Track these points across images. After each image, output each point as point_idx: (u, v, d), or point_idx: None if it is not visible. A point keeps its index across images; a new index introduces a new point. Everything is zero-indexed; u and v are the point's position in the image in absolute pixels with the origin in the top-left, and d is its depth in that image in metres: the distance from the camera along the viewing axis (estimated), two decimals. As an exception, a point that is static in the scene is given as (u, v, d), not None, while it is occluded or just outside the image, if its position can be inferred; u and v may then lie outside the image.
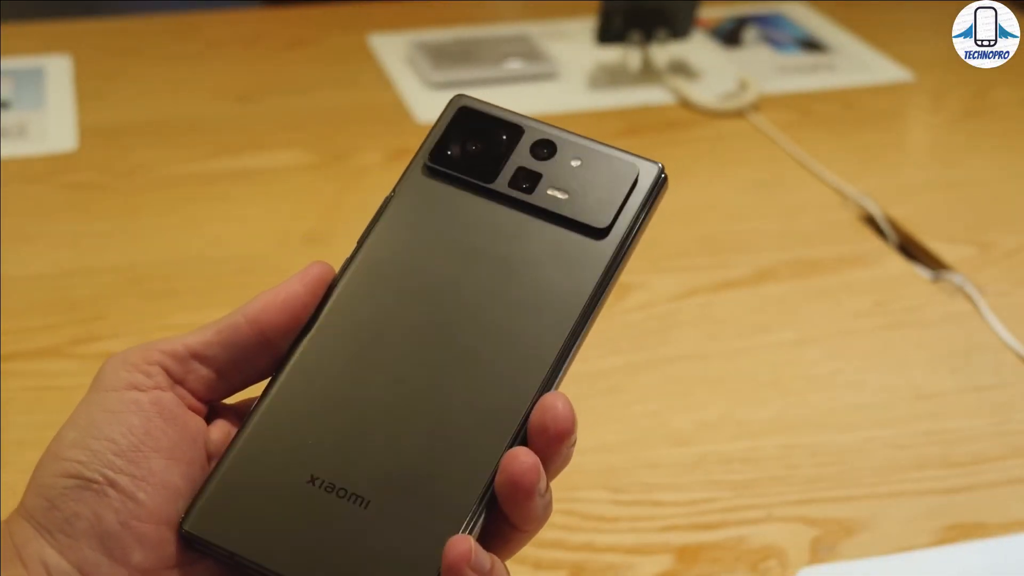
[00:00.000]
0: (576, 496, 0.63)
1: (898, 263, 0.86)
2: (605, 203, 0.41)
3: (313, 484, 0.38)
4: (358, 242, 0.42)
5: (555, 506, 0.57)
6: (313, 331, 0.41)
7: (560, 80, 1.13)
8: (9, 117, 1.05)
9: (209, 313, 0.84)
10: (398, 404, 0.39)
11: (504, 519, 0.38)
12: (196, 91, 1.12)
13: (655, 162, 0.42)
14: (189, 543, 0.38)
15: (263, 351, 0.41)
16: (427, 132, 0.44)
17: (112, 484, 0.38)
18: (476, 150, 0.43)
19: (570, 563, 0.59)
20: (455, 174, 0.42)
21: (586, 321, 0.40)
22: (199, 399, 0.41)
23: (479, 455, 0.38)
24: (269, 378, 0.41)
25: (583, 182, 0.42)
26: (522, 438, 0.38)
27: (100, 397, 0.39)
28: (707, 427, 0.69)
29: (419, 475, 0.38)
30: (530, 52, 1.16)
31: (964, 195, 0.96)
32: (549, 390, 0.39)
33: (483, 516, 0.38)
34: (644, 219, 0.41)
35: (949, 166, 1.02)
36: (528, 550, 0.59)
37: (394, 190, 0.43)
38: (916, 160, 1.06)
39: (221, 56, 1.20)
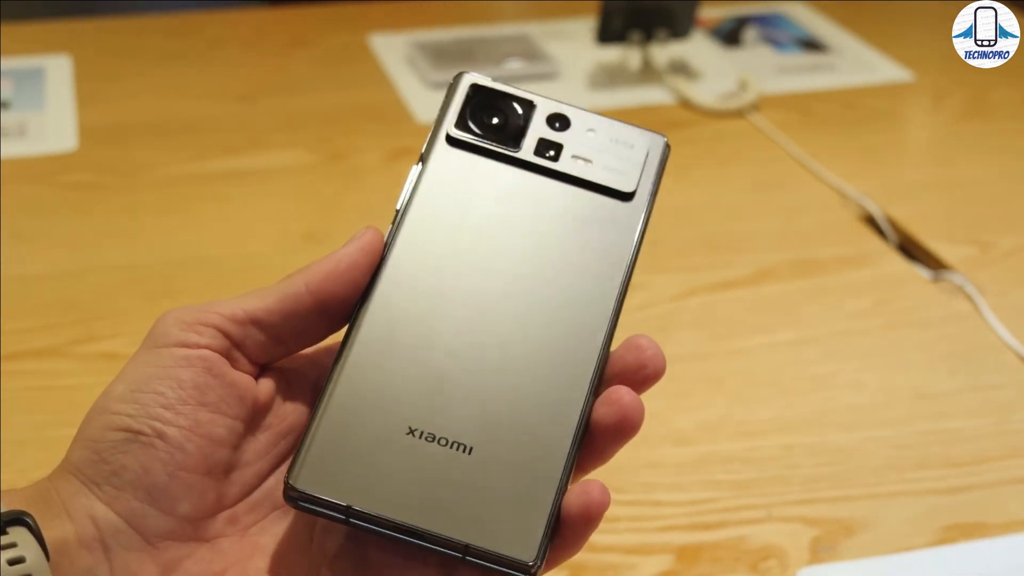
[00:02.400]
0: (576, 496, 0.63)
1: (898, 263, 0.86)
2: (627, 169, 0.44)
3: (413, 435, 0.39)
4: (397, 211, 0.44)
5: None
6: (377, 291, 0.42)
7: (560, 80, 1.13)
8: (9, 117, 1.05)
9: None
10: (476, 355, 0.40)
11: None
12: (196, 91, 1.12)
13: (660, 135, 0.45)
14: (295, 502, 0.38)
15: (321, 319, 0.41)
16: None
17: (160, 435, 0.38)
18: (497, 122, 0.45)
19: (570, 563, 0.59)
20: (481, 144, 0.44)
21: (630, 275, 0.43)
22: (252, 362, 0.41)
23: (565, 399, 0.40)
24: (342, 338, 0.41)
25: (602, 150, 0.44)
26: (599, 380, 0.40)
27: (150, 354, 0.40)
28: (707, 427, 0.69)
29: (513, 420, 0.39)
30: (530, 52, 1.16)
31: (964, 195, 0.96)
32: (612, 335, 0.41)
33: (575, 458, 0.40)
34: (659, 185, 0.44)
35: (949, 166, 1.02)
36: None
37: (422, 160, 0.44)
38: (916, 160, 1.06)
39: (221, 56, 1.20)
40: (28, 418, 0.68)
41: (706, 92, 1.10)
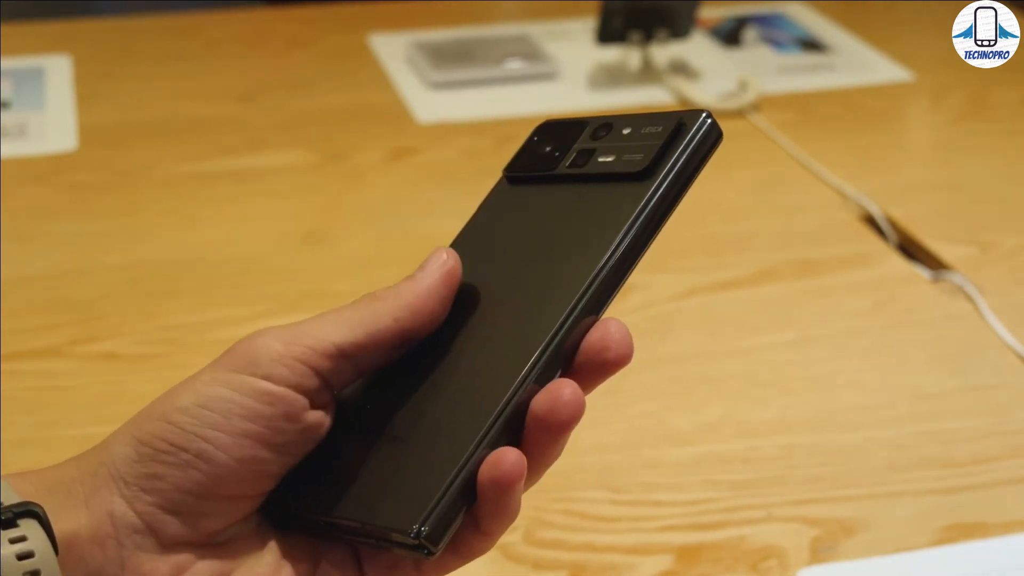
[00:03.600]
0: (576, 496, 0.63)
1: (898, 263, 0.86)
2: (645, 151, 0.42)
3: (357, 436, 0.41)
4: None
5: (555, 506, 0.57)
6: None
7: (560, 80, 1.13)
8: (9, 117, 1.05)
9: (209, 313, 0.84)
10: (438, 354, 0.41)
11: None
12: (196, 91, 1.12)
13: (702, 110, 0.42)
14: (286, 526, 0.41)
15: (398, 350, 0.41)
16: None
17: (208, 459, 0.38)
18: (546, 151, 0.45)
19: (570, 563, 0.59)
20: (526, 174, 0.45)
21: (622, 249, 0.40)
22: (330, 393, 0.41)
23: (500, 384, 0.39)
24: None
25: (629, 143, 0.43)
26: (560, 360, 0.39)
27: (231, 376, 0.38)
28: (707, 427, 0.69)
29: (445, 409, 0.40)
30: (530, 52, 1.16)
31: (964, 195, 0.96)
32: (583, 310, 0.40)
33: (496, 439, 0.39)
34: (686, 159, 0.41)
35: (949, 166, 1.02)
36: (528, 550, 0.59)
37: (482, 203, 0.46)
38: (916, 160, 1.06)
39: (221, 56, 1.20)
40: (28, 418, 0.68)
41: (706, 92, 1.10)
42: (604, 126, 0.44)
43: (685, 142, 0.41)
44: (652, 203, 0.41)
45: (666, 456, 0.66)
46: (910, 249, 0.89)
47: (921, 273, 0.84)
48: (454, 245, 0.44)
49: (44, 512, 0.36)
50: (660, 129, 0.42)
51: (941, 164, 1.03)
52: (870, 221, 0.91)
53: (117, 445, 0.39)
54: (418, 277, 0.41)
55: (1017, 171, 1.00)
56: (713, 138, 0.42)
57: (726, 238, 0.88)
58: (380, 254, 0.84)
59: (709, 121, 0.42)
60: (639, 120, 0.43)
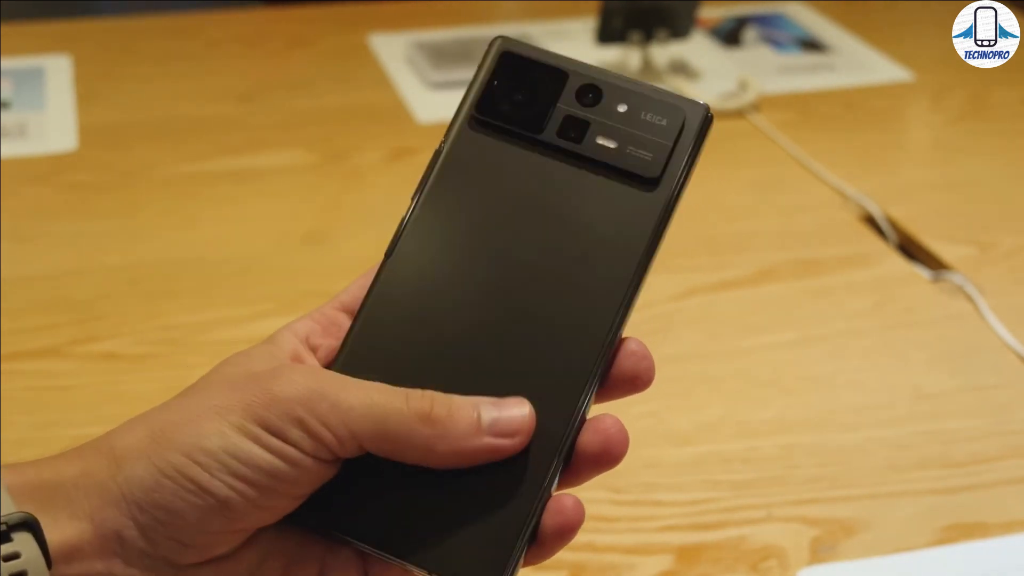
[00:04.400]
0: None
1: (898, 263, 0.86)
2: (654, 151, 0.41)
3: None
4: (413, 198, 0.42)
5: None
6: (375, 293, 0.41)
7: (560, 80, 1.13)
8: (9, 117, 1.05)
9: (209, 313, 0.84)
10: (477, 358, 0.40)
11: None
12: (196, 91, 1.12)
13: (700, 102, 0.42)
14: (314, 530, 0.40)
15: None
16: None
17: (231, 507, 0.37)
18: (522, 99, 0.42)
19: (570, 563, 0.59)
20: (503, 125, 0.42)
21: (644, 270, 0.41)
22: None
23: (551, 422, 0.39)
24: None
25: (630, 129, 0.42)
26: (596, 381, 0.40)
27: (260, 433, 0.37)
28: (707, 427, 0.69)
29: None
30: (530, 52, 1.16)
31: (964, 195, 0.96)
32: (618, 336, 0.40)
33: (562, 467, 0.39)
34: (692, 164, 0.42)
35: (949, 166, 1.02)
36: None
37: (443, 143, 0.43)
38: (916, 160, 1.06)
39: (221, 56, 1.20)
40: (28, 418, 0.68)
41: (706, 92, 1.10)
42: (589, 88, 0.42)
43: (693, 144, 0.41)
44: (667, 216, 0.41)
45: (666, 456, 0.66)
46: (910, 249, 0.89)
47: (921, 273, 0.84)
48: (426, 201, 0.42)
49: (39, 525, 0.36)
50: (664, 123, 0.41)
51: (941, 164, 1.03)
52: (870, 221, 0.91)
53: (133, 466, 0.37)
54: (483, 425, 0.38)
55: (1017, 171, 1.00)
56: (709, 130, 0.42)
57: (726, 238, 0.88)
58: (380, 254, 0.84)
59: (710, 116, 0.42)
60: (633, 97, 0.42)
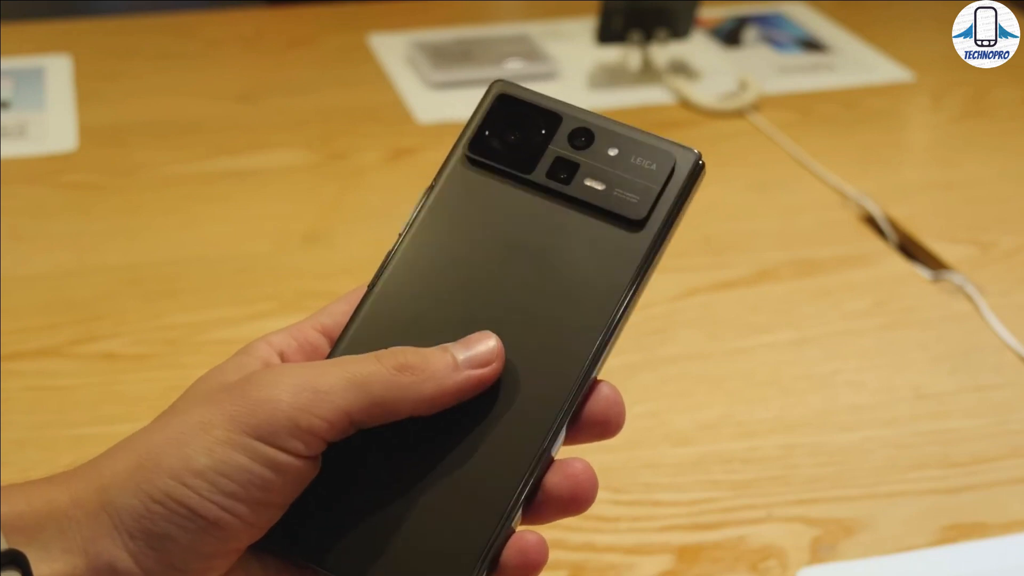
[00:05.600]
0: (576, 496, 0.63)
1: (898, 263, 0.86)
2: (641, 194, 0.41)
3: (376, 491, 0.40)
4: (400, 234, 0.43)
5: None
6: (360, 320, 0.42)
7: (560, 80, 1.13)
8: (9, 117, 1.05)
9: (209, 313, 0.84)
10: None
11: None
12: (196, 91, 1.12)
13: (692, 150, 0.42)
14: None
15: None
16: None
17: (220, 525, 0.37)
18: (515, 139, 0.43)
19: (570, 563, 0.59)
20: (495, 165, 0.43)
21: (623, 312, 0.41)
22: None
23: (520, 449, 0.39)
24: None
25: (620, 172, 0.42)
26: (565, 422, 0.40)
27: (248, 441, 0.37)
28: (707, 427, 0.69)
29: (463, 472, 0.39)
30: (530, 52, 1.16)
31: (964, 195, 0.96)
32: (590, 378, 0.40)
33: (521, 510, 0.39)
34: (680, 209, 0.42)
35: (949, 166, 1.02)
36: (528, 550, 0.59)
37: (435, 181, 0.43)
38: (916, 160, 1.06)
39: (221, 56, 1.20)
40: (28, 418, 0.68)
41: (706, 92, 1.10)
42: (582, 131, 0.43)
43: (681, 189, 0.41)
44: (652, 258, 0.41)
45: (666, 456, 0.66)
46: (910, 249, 0.89)
47: (921, 273, 0.84)
48: (414, 236, 0.42)
49: (27, 561, 0.35)
50: (654, 167, 0.42)
51: (941, 164, 1.03)
52: (870, 221, 0.91)
53: (121, 494, 0.37)
54: (458, 362, 0.39)
55: (1017, 171, 1.00)
56: (700, 176, 0.42)
57: (726, 238, 0.88)
58: (380, 254, 0.84)
59: (701, 164, 0.42)
60: (625, 142, 0.42)
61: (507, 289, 0.41)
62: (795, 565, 0.59)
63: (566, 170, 0.42)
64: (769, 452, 0.67)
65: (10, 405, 0.68)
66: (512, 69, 1.13)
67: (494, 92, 0.44)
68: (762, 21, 1.27)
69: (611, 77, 1.13)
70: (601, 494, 0.62)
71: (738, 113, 1.07)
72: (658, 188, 0.41)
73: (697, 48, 1.18)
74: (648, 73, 1.12)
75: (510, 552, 0.38)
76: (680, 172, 0.41)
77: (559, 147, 0.42)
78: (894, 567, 0.59)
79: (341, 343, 0.41)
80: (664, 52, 1.14)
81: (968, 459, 0.66)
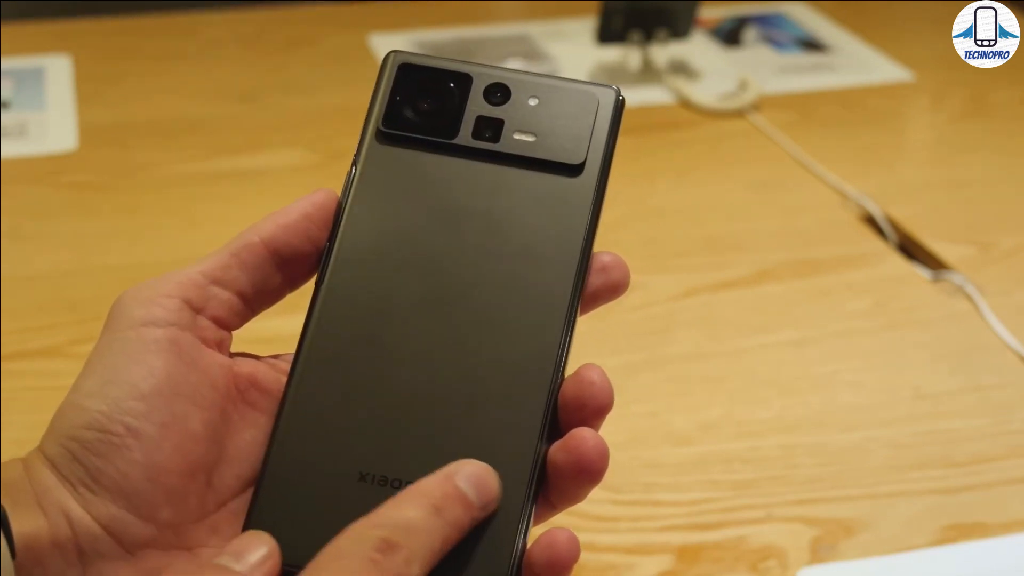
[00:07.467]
0: (576, 496, 0.63)
1: (898, 263, 0.86)
2: (574, 138, 0.41)
3: (365, 481, 0.37)
4: (332, 225, 0.40)
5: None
6: (315, 319, 0.40)
7: (560, 80, 1.13)
8: (9, 117, 1.05)
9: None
10: (427, 379, 0.38)
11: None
12: (196, 91, 1.12)
13: (611, 86, 0.41)
14: None
15: (278, 271, 0.40)
16: (371, 102, 0.41)
17: (135, 434, 0.36)
18: (429, 107, 0.41)
19: (570, 563, 0.59)
20: (414, 135, 0.41)
21: (588, 253, 0.40)
22: (221, 326, 0.40)
23: (521, 421, 0.38)
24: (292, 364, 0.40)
25: (546, 120, 0.41)
26: (555, 404, 0.38)
27: (115, 338, 0.38)
28: (707, 427, 0.69)
29: (468, 451, 0.37)
30: (530, 52, 1.16)
31: (964, 195, 0.96)
32: (570, 336, 0.39)
33: (535, 487, 0.38)
34: (613, 146, 0.41)
35: (949, 166, 1.02)
36: (528, 550, 0.59)
37: (354, 164, 0.41)
38: (916, 160, 1.06)
39: (221, 56, 1.20)
40: (28, 418, 0.67)
41: (706, 92, 1.10)
42: (497, 87, 0.41)
43: (610, 126, 0.41)
44: (600, 198, 0.40)
45: (666, 456, 0.66)
46: (910, 249, 0.89)
47: (921, 273, 0.84)
48: (345, 230, 0.40)
49: (6, 517, 0.34)
50: (577, 110, 0.41)
51: (941, 164, 1.03)
52: (870, 221, 0.91)
53: (50, 448, 0.37)
54: (288, 206, 0.40)
55: (1017, 171, 1.00)
56: (622, 111, 0.41)
57: (726, 238, 0.88)
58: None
59: (622, 99, 0.41)
60: (542, 90, 0.41)
61: (464, 261, 0.39)
62: (795, 565, 0.59)
63: (491, 128, 0.41)
64: (769, 452, 0.67)
65: (10, 405, 0.68)
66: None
67: (394, 63, 0.42)
68: (762, 21, 1.27)
69: (611, 77, 1.13)
70: (601, 494, 0.63)
71: (738, 113, 1.07)
72: (588, 129, 0.41)
73: (697, 48, 1.18)
74: (648, 73, 1.12)
75: (537, 550, 0.37)
76: (604, 109, 0.41)
77: (477, 106, 0.41)
78: (894, 567, 0.59)
79: (299, 361, 0.39)
80: (664, 52, 1.14)
81: (968, 459, 0.66)
